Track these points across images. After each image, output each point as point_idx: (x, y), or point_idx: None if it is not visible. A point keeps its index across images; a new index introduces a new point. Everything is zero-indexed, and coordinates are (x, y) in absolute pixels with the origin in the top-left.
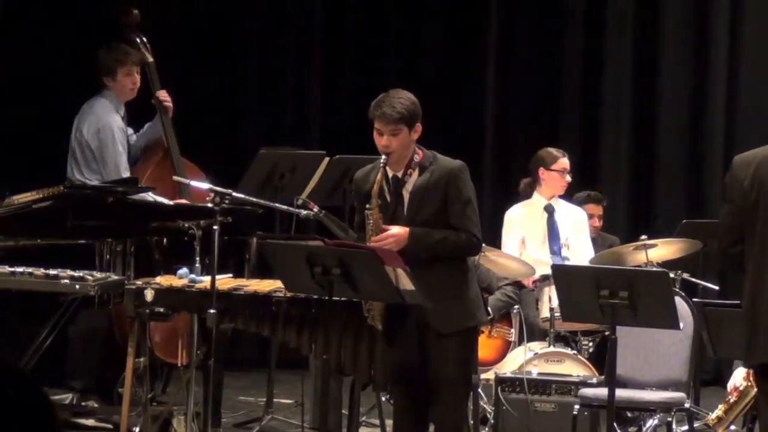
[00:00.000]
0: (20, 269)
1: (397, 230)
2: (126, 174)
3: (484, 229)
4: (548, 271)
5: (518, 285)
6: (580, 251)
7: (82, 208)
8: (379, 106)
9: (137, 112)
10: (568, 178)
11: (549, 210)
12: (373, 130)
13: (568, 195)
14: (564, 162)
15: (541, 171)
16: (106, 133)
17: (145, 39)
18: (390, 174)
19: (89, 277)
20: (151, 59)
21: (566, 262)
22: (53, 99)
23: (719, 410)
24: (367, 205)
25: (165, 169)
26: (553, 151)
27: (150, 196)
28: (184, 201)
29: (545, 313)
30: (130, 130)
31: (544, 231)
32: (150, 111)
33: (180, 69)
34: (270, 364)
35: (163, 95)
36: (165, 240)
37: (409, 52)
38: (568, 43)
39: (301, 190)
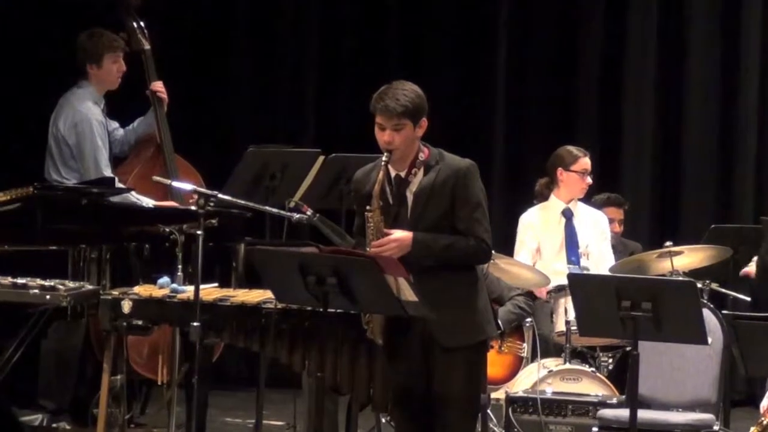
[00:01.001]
0: None
1: (399, 234)
2: (108, 171)
3: (494, 234)
4: (565, 281)
5: (531, 296)
6: (602, 261)
7: (54, 211)
8: (382, 98)
9: (127, 105)
10: (589, 180)
11: (567, 215)
12: (375, 125)
13: (587, 197)
14: (585, 162)
15: (560, 171)
16: (84, 126)
17: (143, 24)
18: (392, 173)
19: (61, 287)
20: (147, 46)
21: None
22: (35, 90)
23: None
24: (368, 207)
25: (156, 167)
26: (573, 149)
27: (132, 197)
28: (172, 203)
29: (561, 326)
30: (115, 124)
31: (562, 237)
32: (140, 105)
33: (169, 61)
34: (259, 382)
35: (158, 86)
36: (144, 246)
37: (412, 41)
38: (587, 34)
39: (293, 191)
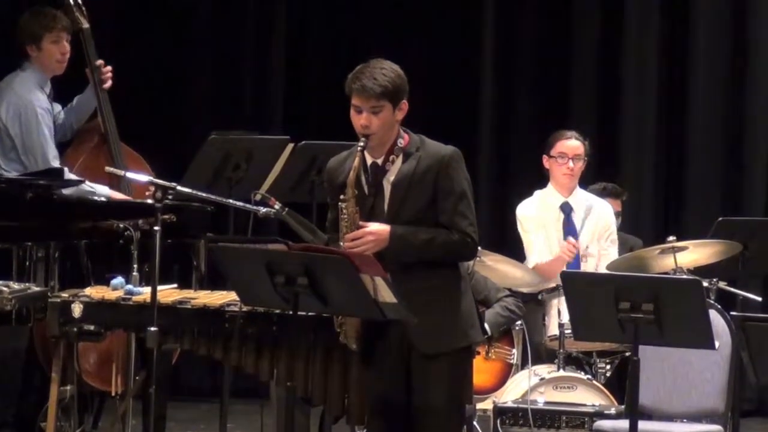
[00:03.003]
0: None
1: (376, 227)
2: (56, 163)
3: (481, 228)
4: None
5: (522, 296)
6: (602, 261)
7: None
8: (358, 78)
9: (69, 87)
10: (571, 164)
11: (566, 210)
12: (350, 108)
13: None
14: (564, 145)
15: (545, 159)
16: (29, 115)
17: (80, 1)
18: (369, 161)
19: (5, 289)
20: (86, 25)
21: None
22: None
23: None
24: (342, 196)
25: (101, 158)
26: (560, 132)
27: (87, 186)
28: (121, 196)
29: (554, 330)
30: (58, 107)
31: (559, 236)
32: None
33: (117, 39)
34: (222, 392)
35: (102, 68)
36: (96, 243)
37: (391, 16)
38: (583, 11)
39: (259, 183)
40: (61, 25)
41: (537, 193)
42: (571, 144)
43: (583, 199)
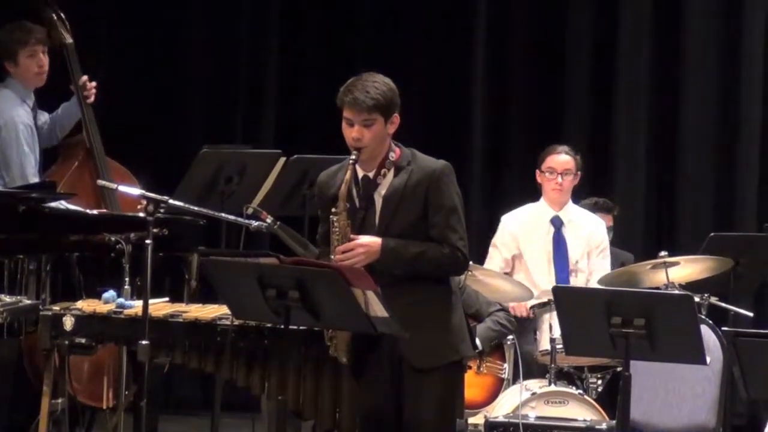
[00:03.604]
0: None
1: (367, 240)
2: (34, 179)
3: (472, 243)
4: (544, 300)
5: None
6: (595, 276)
7: None
8: (350, 90)
9: (55, 98)
10: (560, 179)
11: (556, 224)
12: (342, 121)
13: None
14: (553, 160)
15: (537, 173)
16: (9, 131)
17: (63, 16)
18: (360, 174)
19: None
20: (70, 40)
21: None
22: None
23: None
24: (333, 209)
25: (87, 173)
26: (550, 146)
27: (62, 206)
28: (114, 212)
29: (545, 344)
30: (45, 116)
31: (549, 250)
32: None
33: (108, 53)
34: (214, 406)
35: (86, 83)
36: (87, 257)
37: (382, 28)
38: (575, 25)
39: (251, 197)
40: (35, 38)
41: (528, 206)
42: (561, 159)
43: (575, 213)
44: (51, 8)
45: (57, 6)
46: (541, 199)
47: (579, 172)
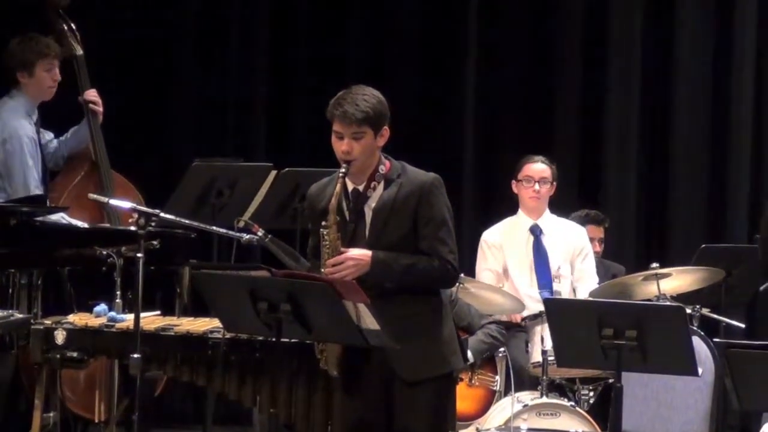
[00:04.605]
0: None
1: (357, 253)
2: (37, 192)
3: (462, 255)
4: (537, 309)
5: (505, 323)
6: (582, 282)
7: None
8: (340, 104)
9: (59, 114)
10: (537, 187)
11: (535, 232)
12: (332, 134)
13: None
14: (530, 169)
15: (513, 183)
16: (14, 143)
17: (74, 27)
18: (350, 187)
19: None
20: (80, 52)
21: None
22: None
23: None
24: (323, 222)
25: (91, 185)
26: (526, 156)
27: (64, 219)
28: (107, 225)
29: (537, 356)
30: (50, 135)
31: (530, 259)
32: (75, 114)
33: (100, 68)
34: (206, 419)
35: (92, 95)
36: (79, 270)
37: (373, 40)
38: (565, 33)
39: (243, 210)
40: (54, 52)
41: (506, 220)
42: (537, 167)
43: (553, 221)
44: (63, 19)
45: (66, 17)
46: (519, 211)
47: (555, 182)
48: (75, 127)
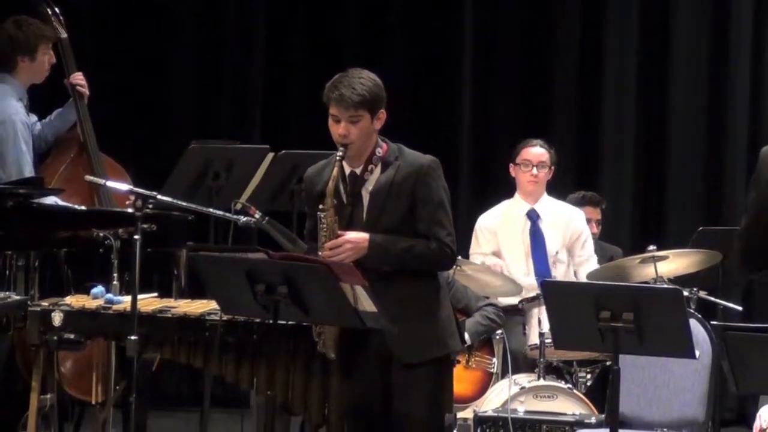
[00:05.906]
0: None
1: (354, 236)
2: (30, 175)
3: (459, 238)
4: (532, 294)
5: (502, 306)
6: (583, 268)
7: None
8: (336, 87)
9: (47, 98)
10: (536, 171)
11: (532, 217)
12: (328, 117)
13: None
14: (528, 153)
15: (511, 167)
16: (7, 128)
17: (58, 11)
18: (347, 170)
19: None
20: (65, 35)
21: None
22: None
23: None
24: (321, 206)
25: (80, 168)
26: (524, 140)
27: (57, 203)
28: (103, 208)
29: (534, 339)
30: (34, 117)
31: (527, 244)
32: (62, 98)
33: (97, 50)
34: (203, 401)
35: (78, 78)
36: (76, 252)
37: (370, 27)
38: (562, 19)
39: (240, 192)
40: (52, 35)
41: (503, 203)
42: (536, 151)
43: (550, 205)
44: (45, 2)
45: (51, 0)
46: (516, 195)
47: (553, 167)
48: (59, 109)
